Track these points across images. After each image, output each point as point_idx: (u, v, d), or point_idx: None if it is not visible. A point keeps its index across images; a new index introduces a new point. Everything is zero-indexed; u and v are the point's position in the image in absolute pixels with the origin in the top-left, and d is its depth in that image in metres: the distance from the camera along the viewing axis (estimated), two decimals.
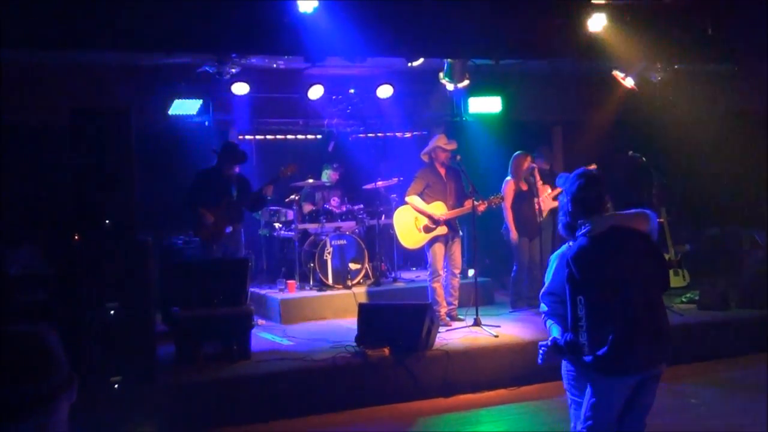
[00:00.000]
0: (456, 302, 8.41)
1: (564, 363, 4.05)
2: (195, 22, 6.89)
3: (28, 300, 6.74)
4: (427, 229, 8.27)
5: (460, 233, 8.56)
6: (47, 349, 2.32)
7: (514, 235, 8.88)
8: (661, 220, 9.10)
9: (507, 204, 8.78)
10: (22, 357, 2.24)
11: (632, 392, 3.87)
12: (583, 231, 3.91)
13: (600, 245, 3.85)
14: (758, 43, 8.59)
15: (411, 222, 8.39)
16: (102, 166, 5.64)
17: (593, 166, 8.52)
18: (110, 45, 6.89)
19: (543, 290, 4.09)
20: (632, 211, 3.96)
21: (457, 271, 8.40)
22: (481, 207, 8.11)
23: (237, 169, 8.45)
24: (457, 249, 8.38)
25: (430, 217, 8.19)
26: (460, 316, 8.32)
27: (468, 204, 8.19)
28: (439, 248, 8.26)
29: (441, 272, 8.27)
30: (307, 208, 10.02)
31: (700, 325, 8.16)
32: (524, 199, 8.87)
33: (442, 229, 8.23)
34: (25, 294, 6.85)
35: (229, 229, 8.34)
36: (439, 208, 8.26)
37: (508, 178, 8.94)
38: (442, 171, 8.34)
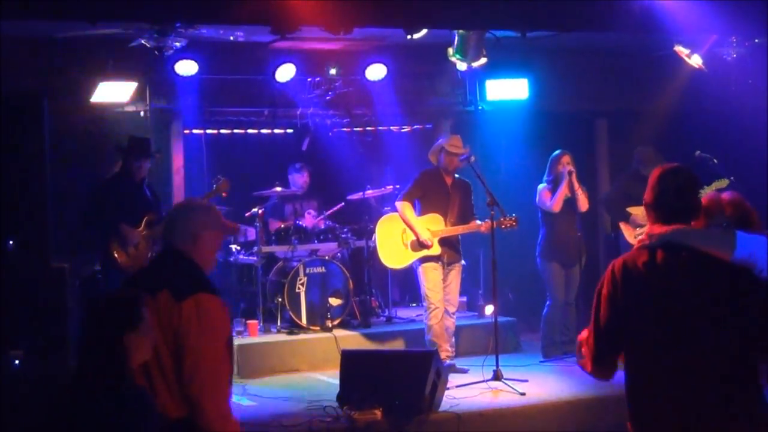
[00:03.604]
0: (453, 351, 8.46)
1: None
2: None
3: None
4: (415, 246, 8.35)
5: (462, 261, 8.61)
6: None
7: (557, 204, 8.88)
8: None
9: (557, 202, 8.85)
10: None
11: None
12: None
13: (638, 261, 3.69)
14: None
15: (397, 234, 8.52)
16: (5, 170, 5.63)
17: (697, 153, 8.61)
18: (15, 12, 6.87)
19: None
20: (709, 228, 3.76)
21: (452, 310, 8.47)
22: (484, 227, 8.24)
23: (145, 171, 8.46)
24: (455, 280, 8.47)
25: (416, 236, 8.30)
26: (460, 367, 8.38)
27: (473, 224, 8.35)
28: (431, 271, 8.34)
29: (439, 304, 8.32)
30: (274, 225, 10.02)
31: None
32: (559, 214, 8.93)
33: (434, 249, 8.32)
34: None
35: (151, 253, 8.33)
36: (434, 222, 8.36)
37: (542, 185, 9.02)
38: (448, 180, 8.46)
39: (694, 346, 3.57)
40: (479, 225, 8.30)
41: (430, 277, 8.34)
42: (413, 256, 8.43)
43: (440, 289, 8.37)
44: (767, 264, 3.56)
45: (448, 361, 8.22)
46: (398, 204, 8.47)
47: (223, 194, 8.77)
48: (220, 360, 3.95)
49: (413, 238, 8.40)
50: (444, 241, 8.38)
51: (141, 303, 3.61)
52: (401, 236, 8.51)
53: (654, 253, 3.69)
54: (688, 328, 3.58)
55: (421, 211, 8.46)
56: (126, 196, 8.31)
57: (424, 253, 8.36)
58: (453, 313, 8.49)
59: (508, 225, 8.35)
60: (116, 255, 8.16)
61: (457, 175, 8.56)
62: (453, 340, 8.52)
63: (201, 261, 4.03)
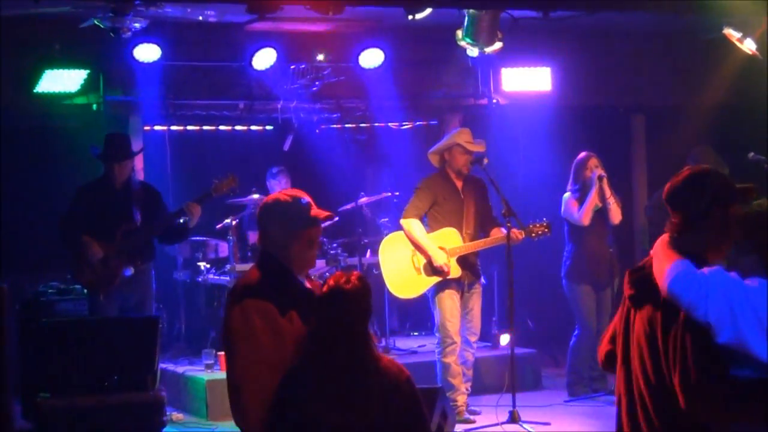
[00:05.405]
0: (468, 388, 8.46)
1: None
2: None
3: None
4: (429, 270, 8.33)
5: (483, 280, 8.59)
6: None
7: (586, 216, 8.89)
8: None
9: (586, 213, 8.85)
10: None
11: None
12: None
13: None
14: None
15: (406, 257, 8.45)
16: None
17: (751, 155, 8.70)
18: None
19: None
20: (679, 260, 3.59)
21: (473, 339, 8.47)
22: (519, 236, 8.20)
23: (127, 174, 8.47)
24: (476, 304, 8.46)
25: (429, 260, 8.23)
26: (473, 409, 8.40)
27: (496, 233, 8.29)
28: (450, 299, 8.32)
29: (456, 338, 8.31)
30: (254, 237, 10.02)
31: None
32: (590, 227, 8.93)
33: (453, 271, 8.29)
34: None
35: (129, 271, 8.33)
36: (450, 238, 8.34)
37: (568, 194, 9.01)
38: (459, 183, 8.43)
39: (632, 391, 3.73)
40: (512, 233, 8.17)
41: (449, 306, 8.28)
42: (429, 282, 8.32)
43: (458, 319, 8.32)
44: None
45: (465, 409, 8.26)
46: (404, 222, 8.36)
47: (226, 191, 8.56)
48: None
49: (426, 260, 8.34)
50: (463, 260, 8.31)
51: (369, 292, 3.93)
52: (411, 259, 8.39)
53: (637, 270, 3.81)
54: (630, 367, 3.75)
55: (430, 226, 8.38)
56: (99, 204, 8.32)
57: (442, 276, 8.30)
58: (473, 343, 8.47)
59: (540, 232, 8.35)
60: (77, 273, 8.21)
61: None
62: (471, 373, 8.49)
63: (292, 262, 4.32)
